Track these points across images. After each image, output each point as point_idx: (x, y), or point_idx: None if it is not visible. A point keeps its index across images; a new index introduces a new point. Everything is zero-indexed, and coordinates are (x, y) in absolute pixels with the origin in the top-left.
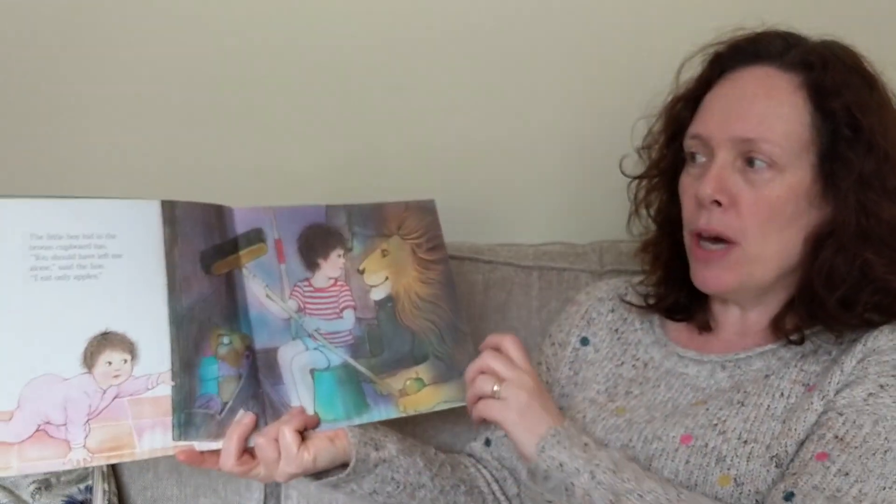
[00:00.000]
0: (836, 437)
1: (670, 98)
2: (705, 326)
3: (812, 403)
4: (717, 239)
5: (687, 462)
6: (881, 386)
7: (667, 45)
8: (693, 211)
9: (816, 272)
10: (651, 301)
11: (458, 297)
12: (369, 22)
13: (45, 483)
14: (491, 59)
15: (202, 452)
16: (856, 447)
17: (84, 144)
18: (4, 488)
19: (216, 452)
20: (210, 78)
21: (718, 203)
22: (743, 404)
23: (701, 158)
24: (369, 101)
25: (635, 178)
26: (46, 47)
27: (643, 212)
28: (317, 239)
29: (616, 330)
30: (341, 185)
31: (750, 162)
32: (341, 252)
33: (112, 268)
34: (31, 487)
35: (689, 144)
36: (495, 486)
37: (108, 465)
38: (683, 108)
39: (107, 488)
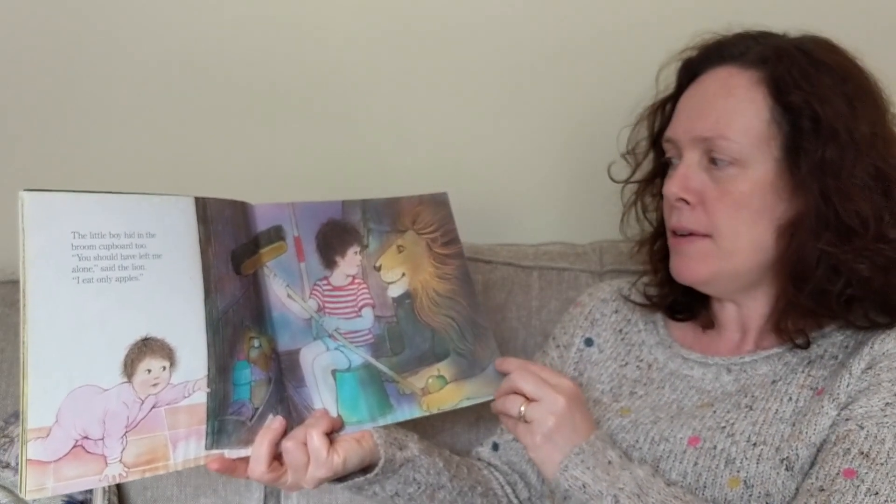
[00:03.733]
0: (861, 452)
1: (649, 105)
2: (709, 324)
3: (823, 407)
4: (691, 235)
5: (695, 464)
6: None
7: (666, 46)
8: (667, 211)
9: (787, 263)
10: (654, 300)
11: (475, 291)
12: (370, 26)
13: None
14: (491, 60)
15: (233, 460)
16: (881, 464)
17: (85, 145)
18: (4, 488)
19: (246, 460)
20: (220, 77)
21: (687, 202)
22: (751, 408)
23: (676, 161)
24: (371, 103)
25: (624, 182)
26: (60, 50)
27: (636, 214)
28: (334, 236)
29: (620, 331)
30: (339, 186)
31: (714, 160)
32: (358, 249)
33: (152, 269)
34: None
35: (665, 148)
36: (508, 490)
37: None
38: (661, 114)
39: (107, 488)
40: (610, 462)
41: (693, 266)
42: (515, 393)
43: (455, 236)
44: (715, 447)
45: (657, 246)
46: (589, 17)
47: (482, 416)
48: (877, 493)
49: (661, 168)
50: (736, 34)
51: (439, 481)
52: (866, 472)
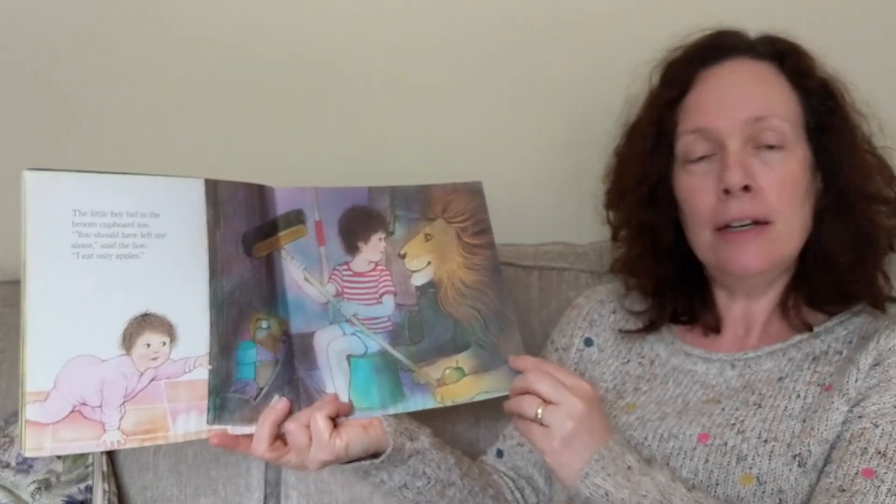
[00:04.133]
0: (879, 451)
1: (644, 106)
2: (712, 328)
3: (833, 403)
4: (754, 224)
5: (706, 461)
6: None
7: (669, 46)
8: (715, 205)
9: (809, 241)
10: (653, 317)
11: (503, 283)
12: (369, 29)
13: (45, 483)
14: (492, 58)
15: (236, 436)
16: None
17: (96, 139)
18: (4, 488)
19: (250, 437)
20: (233, 69)
21: (748, 189)
22: (759, 405)
23: (702, 153)
24: (370, 103)
25: (615, 185)
26: (84, 45)
27: (621, 221)
28: (358, 222)
29: (619, 329)
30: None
31: (759, 146)
32: (382, 236)
33: (155, 248)
34: (32, 487)
35: (689, 140)
36: (518, 495)
37: (108, 465)
38: (666, 113)
39: (107, 488)
40: (630, 467)
41: (761, 254)
42: (530, 393)
43: (487, 226)
44: (725, 444)
45: (648, 256)
46: (592, 15)
47: (482, 415)
48: None
49: (664, 172)
50: (724, 31)
51: (450, 478)
52: (885, 472)
